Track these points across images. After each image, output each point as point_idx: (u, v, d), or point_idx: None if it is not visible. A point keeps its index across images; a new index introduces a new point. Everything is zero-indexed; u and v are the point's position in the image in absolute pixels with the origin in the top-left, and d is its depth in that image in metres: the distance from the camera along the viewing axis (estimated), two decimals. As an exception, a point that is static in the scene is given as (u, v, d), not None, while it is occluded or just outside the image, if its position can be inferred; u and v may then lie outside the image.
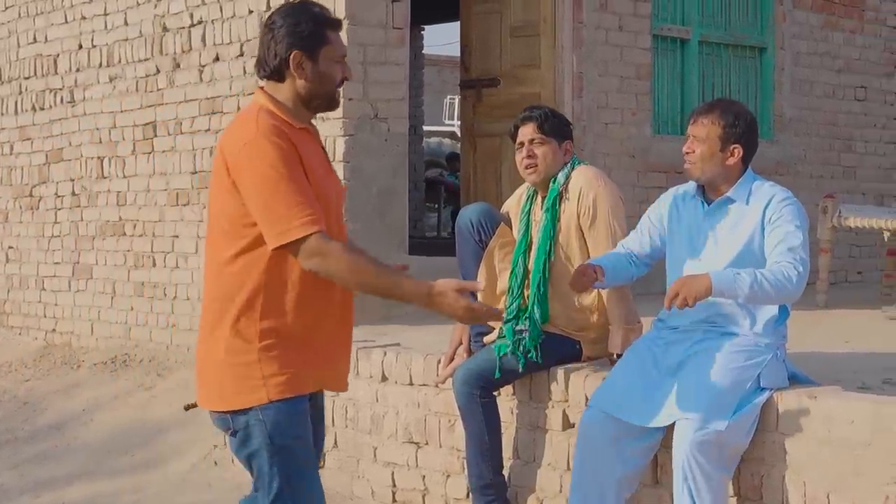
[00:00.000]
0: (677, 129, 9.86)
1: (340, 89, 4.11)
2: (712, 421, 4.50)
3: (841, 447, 4.48)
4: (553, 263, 5.44)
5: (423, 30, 17.08)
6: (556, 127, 5.56)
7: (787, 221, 4.70)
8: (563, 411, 5.45)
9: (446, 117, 28.58)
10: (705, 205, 4.89)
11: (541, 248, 5.45)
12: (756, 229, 4.73)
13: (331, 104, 4.12)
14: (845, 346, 6.62)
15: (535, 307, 5.38)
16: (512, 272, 5.52)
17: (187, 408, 8.12)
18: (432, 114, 23.31)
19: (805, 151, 10.73)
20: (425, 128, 18.28)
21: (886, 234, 9.07)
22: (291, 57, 3.93)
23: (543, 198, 5.56)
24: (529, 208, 5.62)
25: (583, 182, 5.44)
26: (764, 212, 4.72)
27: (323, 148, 4.17)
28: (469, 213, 5.70)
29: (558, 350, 5.46)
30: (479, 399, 5.39)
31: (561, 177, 5.50)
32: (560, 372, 5.45)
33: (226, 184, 3.94)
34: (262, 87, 4.04)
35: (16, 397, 9.34)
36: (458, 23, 9.79)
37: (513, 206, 5.79)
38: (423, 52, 17.35)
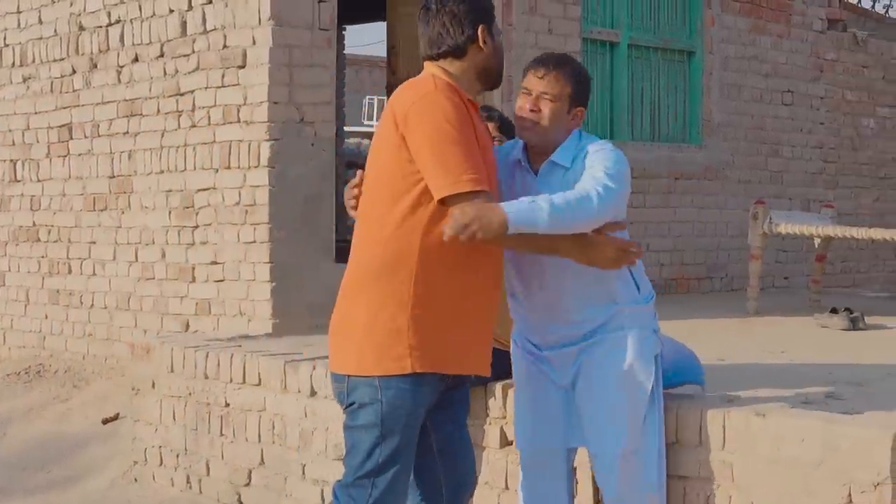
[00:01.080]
0: (606, 134, 9.77)
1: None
2: (623, 439, 4.32)
3: (791, 467, 4.35)
4: None
5: (346, 30, 16.84)
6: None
7: (597, 164, 4.16)
8: (501, 428, 5.27)
9: (365, 118, 28.35)
10: (528, 168, 4.35)
11: None
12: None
13: (499, 79, 4.27)
14: (782, 357, 6.53)
15: None
16: None
17: (105, 421, 7.87)
18: (351, 114, 23.05)
19: (733, 156, 10.69)
20: (345, 128, 18.03)
21: (817, 241, 9.06)
22: (480, 31, 4.13)
23: None
24: None
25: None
26: (582, 166, 4.23)
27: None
28: None
29: (499, 364, 5.22)
30: None
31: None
32: (498, 388, 5.26)
33: (392, 140, 3.99)
34: (429, 65, 4.17)
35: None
36: (380, 24, 9.62)
37: None
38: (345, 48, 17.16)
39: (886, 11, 13.41)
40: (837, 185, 11.78)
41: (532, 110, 4.23)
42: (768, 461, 4.42)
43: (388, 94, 9.64)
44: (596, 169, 4.14)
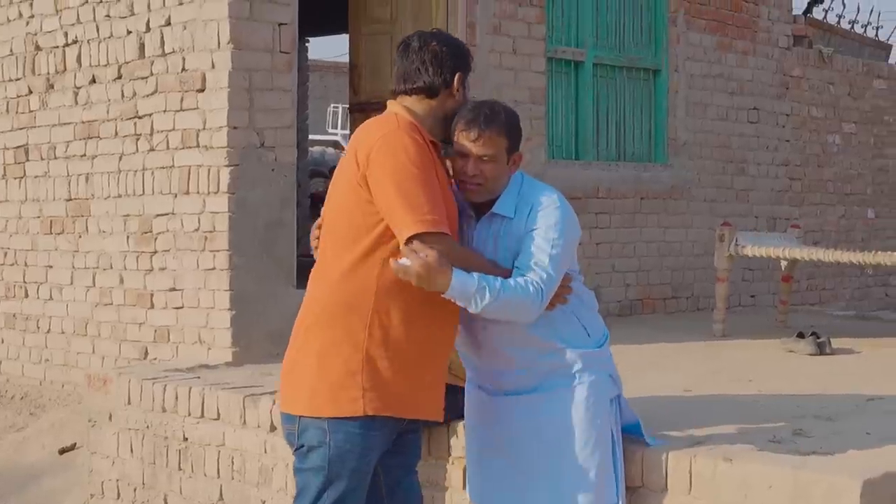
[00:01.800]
0: (572, 154, 9.69)
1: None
2: (582, 496, 4.23)
3: (758, 514, 4.27)
4: None
5: (308, 42, 16.71)
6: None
7: (541, 230, 4.11)
8: (464, 468, 5.16)
9: (329, 126, 28.16)
10: (475, 220, 4.29)
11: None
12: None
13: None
14: (750, 386, 6.45)
15: None
16: None
17: (62, 451, 7.74)
18: (315, 121, 22.89)
19: (699, 175, 10.63)
20: (309, 137, 17.87)
21: (783, 262, 9.00)
22: (457, 77, 4.18)
23: None
24: None
25: None
26: (525, 222, 4.18)
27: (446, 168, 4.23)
28: None
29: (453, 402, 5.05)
30: None
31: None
32: (459, 427, 5.15)
33: (353, 180, 3.99)
34: (395, 100, 4.21)
35: None
36: (346, 36, 9.48)
37: None
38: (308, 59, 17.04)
39: (852, 27, 13.36)
40: (803, 202, 11.74)
41: (473, 175, 4.15)
42: (736, 508, 4.34)
43: (351, 112, 9.54)
44: (539, 244, 4.08)
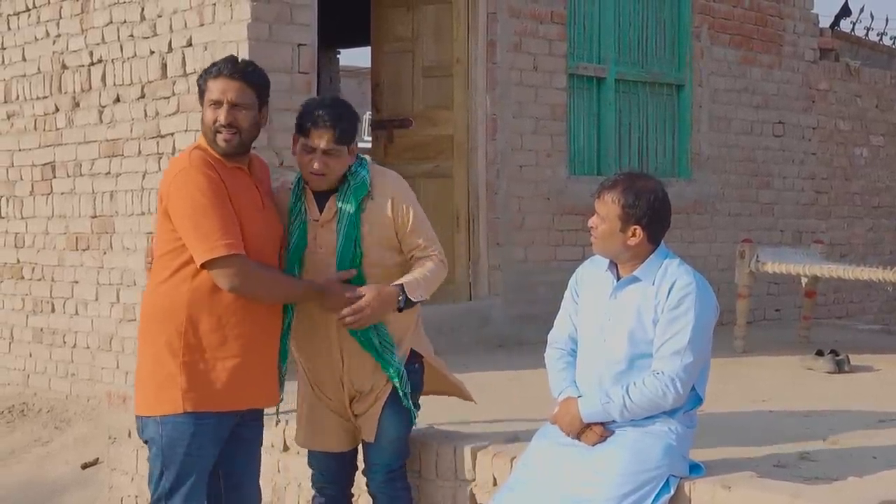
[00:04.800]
0: (594, 170, 9.71)
1: (223, 133, 4.51)
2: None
3: (756, 541, 4.29)
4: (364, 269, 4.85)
5: (339, 53, 16.81)
6: (349, 132, 4.78)
7: (682, 314, 4.45)
8: (471, 490, 5.21)
9: (365, 133, 28.12)
10: (615, 280, 4.67)
11: (345, 252, 4.80)
12: (656, 314, 4.49)
13: (214, 147, 4.55)
14: (763, 405, 6.48)
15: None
16: None
17: (85, 466, 7.82)
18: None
19: (723, 189, 10.63)
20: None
21: (804, 279, 8.98)
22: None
23: (322, 193, 4.86)
24: (301, 208, 4.85)
25: (392, 185, 4.89)
26: (667, 298, 4.49)
27: (258, 187, 4.64)
28: None
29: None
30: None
31: (363, 173, 4.86)
32: (467, 450, 5.21)
33: (160, 211, 4.52)
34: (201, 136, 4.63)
35: None
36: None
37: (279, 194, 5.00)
38: (340, 65, 17.17)
39: (880, 39, 13.30)
40: (830, 215, 11.71)
41: (591, 227, 4.64)
42: (734, 535, 4.36)
43: (373, 129, 9.61)
44: (679, 334, 4.44)
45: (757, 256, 8.62)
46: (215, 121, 4.51)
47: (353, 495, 5.23)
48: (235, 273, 4.42)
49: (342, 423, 5.06)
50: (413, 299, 4.78)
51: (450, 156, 8.87)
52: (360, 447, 5.12)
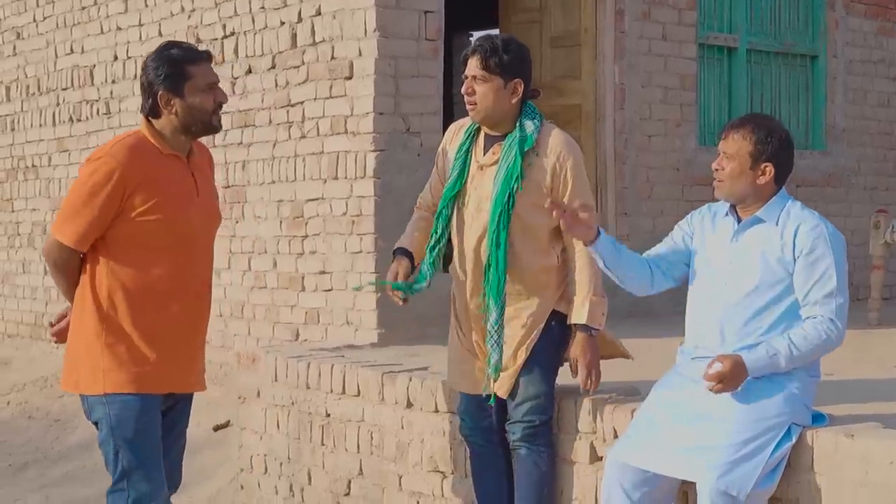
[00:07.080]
0: (725, 141, 9.56)
1: (219, 113, 4.63)
2: (736, 478, 4.24)
3: (880, 490, 4.21)
4: (512, 222, 4.79)
5: (472, 35, 16.85)
6: (502, 64, 4.75)
7: (821, 257, 4.40)
8: (591, 443, 5.20)
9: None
10: (736, 223, 4.61)
11: (498, 199, 4.77)
12: (783, 255, 4.45)
13: (208, 129, 4.66)
14: (894, 372, 6.33)
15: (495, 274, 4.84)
16: (437, 224, 5.01)
17: (216, 428, 7.98)
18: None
19: (858, 162, 10.41)
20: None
21: (941, 250, 8.77)
22: (159, 97, 4.55)
23: (491, 137, 4.87)
24: (469, 147, 4.92)
25: (562, 147, 4.81)
26: (794, 240, 4.44)
27: (194, 174, 4.68)
28: None
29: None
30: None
31: (531, 126, 4.82)
32: (587, 402, 5.20)
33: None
34: (146, 117, 4.64)
35: (48, 414, 9.21)
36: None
37: (448, 141, 5.07)
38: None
39: None
40: (972, 189, 11.39)
41: (716, 169, 4.55)
42: (856, 484, 4.28)
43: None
44: (826, 276, 4.39)
45: (893, 227, 8.46)
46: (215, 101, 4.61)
47: (502, 452, 5.16)
48: (56, 259, 4.60)
49: (479, 366, 5.03)
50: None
51: (578, 125, 8.84)
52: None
